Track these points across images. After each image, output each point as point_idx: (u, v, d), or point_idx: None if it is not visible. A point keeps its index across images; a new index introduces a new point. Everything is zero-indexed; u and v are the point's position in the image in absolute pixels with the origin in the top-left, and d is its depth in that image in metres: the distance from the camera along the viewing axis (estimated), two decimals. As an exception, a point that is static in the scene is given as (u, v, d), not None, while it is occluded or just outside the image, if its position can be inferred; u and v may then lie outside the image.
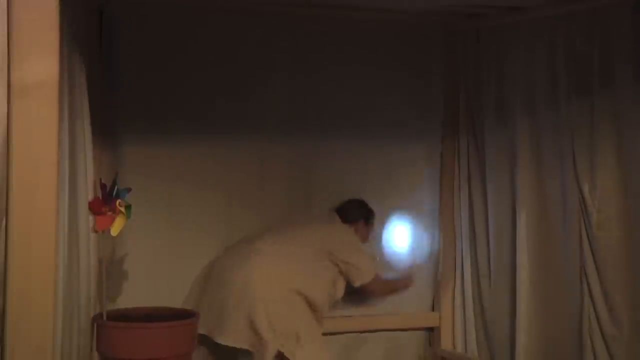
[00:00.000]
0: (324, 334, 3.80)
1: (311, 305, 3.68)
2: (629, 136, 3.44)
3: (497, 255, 4.06)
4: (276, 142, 4.03)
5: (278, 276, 3.65)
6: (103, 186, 3.23)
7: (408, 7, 3.91)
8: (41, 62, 2.22)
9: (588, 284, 3.58)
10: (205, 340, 3.63)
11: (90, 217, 3.20)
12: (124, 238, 3.63)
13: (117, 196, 3.24)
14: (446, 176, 4.33)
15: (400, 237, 4.29)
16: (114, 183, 3.27)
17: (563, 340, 3.71)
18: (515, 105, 3.92)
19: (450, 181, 4.31)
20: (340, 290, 3.86)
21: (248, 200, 4.00)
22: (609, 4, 3.46)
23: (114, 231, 3.22)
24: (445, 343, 4.30)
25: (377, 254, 4.18)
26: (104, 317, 3.32)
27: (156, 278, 3.81)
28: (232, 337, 3.56)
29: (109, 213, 3.20)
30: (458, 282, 4.29)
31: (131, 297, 3.74)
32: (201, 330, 3.51)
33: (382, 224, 4.23)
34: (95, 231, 3.23)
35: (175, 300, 3.68)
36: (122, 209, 3.22)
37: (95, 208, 3.18)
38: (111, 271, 3.70)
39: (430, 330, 4.40)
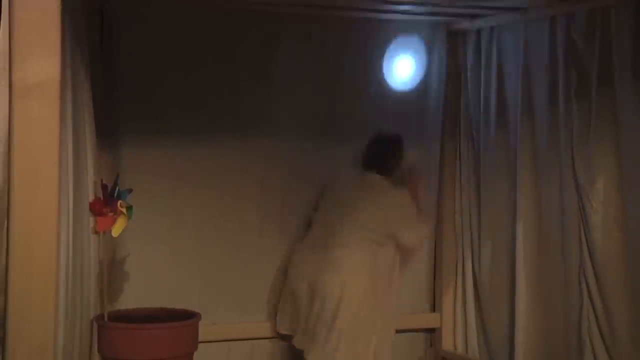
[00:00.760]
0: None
1: None
2: (628, 138, 3.43)
3: (497, 257, 4.05)
4: (277, 141, 4.02)
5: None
6: (104, 187, 3.23)
7: (409, 8, 3.90)
8: (42, 62, 2.23)
9: (587, 285, 3.58)
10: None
11: (91, 218, 3.20)
12: (125, 239, 3.62)
13: (119, 197, 3.24)
14: (446, 177, 4.32)
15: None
16: (115, 184, 3.27)
17: (562, 341, 3.70)
18: (516, 106, 3.91)
19: (451, 182, 4.30)
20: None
21: (249, 201, 4.00)
22: (609, 5, 3.46)
23: (115, 232, 3.22)
24: (446, 344, 4.29)
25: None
26: (105, 318, 3.32)
27: (157, 279, 3.81)
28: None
29: (110, 214, 3.20)
30: (459, 283, 4.28)
31: (132, 298, 3.74)
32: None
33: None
34: (96, 232, 3.23)
35: (176, 301, 3.66)
36: (124, 210, 3.22)
37: (96, 209, 3.18)
38: (112, 272, 3.70)
39: (431, 331, 4.40)
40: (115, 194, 3.24)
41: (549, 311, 3.78)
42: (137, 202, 3.35)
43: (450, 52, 4.28)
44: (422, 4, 3.84)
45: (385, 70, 4.17)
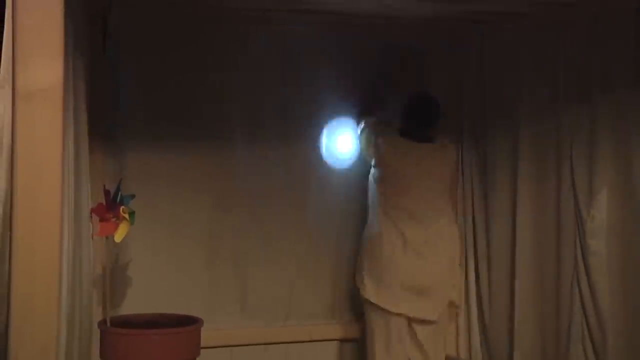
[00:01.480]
0: (328, 340, 3.80)
1: None
2: (628, 145, 3.43)
3: (498, 259, 4.06)
4: (279, 148, 4.03)
5: None
6: (107, 192, 3.24)
7: (412, 13, 3.91)
8: (45, 67, 2.23)
9: (580, 291, 3.58)
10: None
11: (90, 224, 3.21)
12: (127, 244, 3.63)
13: (121, 202, 3.24)
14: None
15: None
16: (118, 189, 3.28)
17: (560, 347, 3.71)
18: (516, 110, 3.92)
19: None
20: None
21: (252, 207, 4.00)
22: (610, 10, 3.46)
23: (118, 237, 3.23)
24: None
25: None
26: (108, 324, 3.32)
27: (159, 284, 3.81)
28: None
29: (113, 219, 3.21)
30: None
31: (134, 304, 3.74)
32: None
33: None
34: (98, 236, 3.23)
35: (179, 306, 3.66)
36: (126, 216, 3.22)
37: (99, 214, 3.18)
38: (114, 277, 3.70)
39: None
40: (118, 199, 3.25)
41: (547, 316, 3.79)
42: (140, 207, 3.35)
43: (452, 56, 4.29)
44: (427, 10, 3.85)
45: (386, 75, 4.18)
